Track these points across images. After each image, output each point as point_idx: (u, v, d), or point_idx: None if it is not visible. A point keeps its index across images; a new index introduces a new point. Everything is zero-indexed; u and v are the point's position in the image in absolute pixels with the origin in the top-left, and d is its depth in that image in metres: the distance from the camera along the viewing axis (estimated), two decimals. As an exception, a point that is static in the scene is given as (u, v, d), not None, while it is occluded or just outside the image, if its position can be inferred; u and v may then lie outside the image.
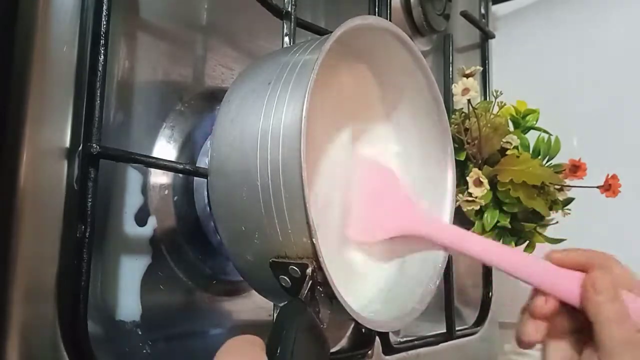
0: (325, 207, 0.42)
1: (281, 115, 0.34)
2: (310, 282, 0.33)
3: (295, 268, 0.33)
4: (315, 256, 0.32)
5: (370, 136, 0.48)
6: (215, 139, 0.37)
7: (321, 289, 0.33)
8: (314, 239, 0.32)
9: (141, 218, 0.40)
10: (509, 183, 0.60)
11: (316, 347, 0.32)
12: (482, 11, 0.84)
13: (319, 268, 0.32)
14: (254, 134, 0.35)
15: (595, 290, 0.34)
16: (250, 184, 0.34)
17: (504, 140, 0.63)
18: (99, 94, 0.35)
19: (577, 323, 0.36)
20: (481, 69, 0.81)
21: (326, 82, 0.43)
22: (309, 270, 0.32)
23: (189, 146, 0.44)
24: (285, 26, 0.46)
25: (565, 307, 0.36)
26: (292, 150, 0.32)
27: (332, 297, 0.33)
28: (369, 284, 0.45)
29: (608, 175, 0.60)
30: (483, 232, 0.62)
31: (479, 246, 0.40)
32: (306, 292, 0.32)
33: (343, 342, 0.55)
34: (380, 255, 0.46)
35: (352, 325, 0.55)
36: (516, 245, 0.64)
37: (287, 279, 0.34)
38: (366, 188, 0.45)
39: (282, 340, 0.29)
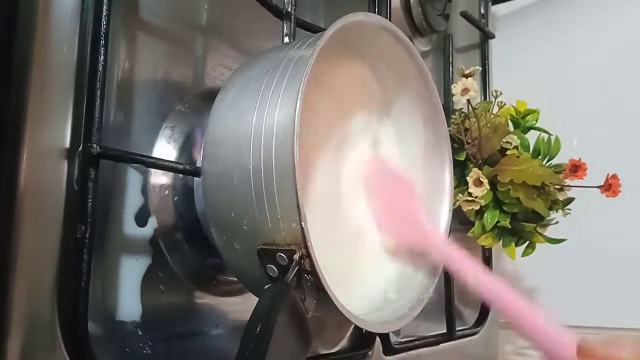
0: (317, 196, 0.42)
1: (277, 100, 0.34)
2: (297, 267, 0.31)
3: (283, 255, 0.32)
4: (303, 242, 0.32)
5: (368, 136, 0.48)
6: (210, 125, 0.38)
7: (308, 277, 0.32)
8: (302, 223, 0.31)
9: (141, 218, 0.40)
10: (509, 183, 0.60)
11: (298, 333, 0.31)
12: (482, 11, 0.84)
13: (307, 255, 0.32)
14: (249, 119, 0.35)
15: None
16: (242, 167, 0.34)
17: (504, 140, 0.63)
18: (99, 94, 0.35)
19: None
20: (480, 69, 0.81)
21: (324, 79, 0.43)
22: (296, 256, 0.32)
23: (189, 146, 0.44)
24: (285, 26, 0.46)
25: None
26: (286, 136, 0.32)
27: (319, 287, 0.32)
28: (367, 287, 0.45)
29: (608, 175, 0.60)
30: (483, 232, 0.62)
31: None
32: (292, 276, 0.31)
33: (343, 342, 0.55)
34: (383, 257, 0.46)
35: (353, 326, 0.55)
36: (516, 245, 0.64)
37: (274, 268, 0.33)
38: (387, 193, 0.44)
39: (262, 321, 0.28)
